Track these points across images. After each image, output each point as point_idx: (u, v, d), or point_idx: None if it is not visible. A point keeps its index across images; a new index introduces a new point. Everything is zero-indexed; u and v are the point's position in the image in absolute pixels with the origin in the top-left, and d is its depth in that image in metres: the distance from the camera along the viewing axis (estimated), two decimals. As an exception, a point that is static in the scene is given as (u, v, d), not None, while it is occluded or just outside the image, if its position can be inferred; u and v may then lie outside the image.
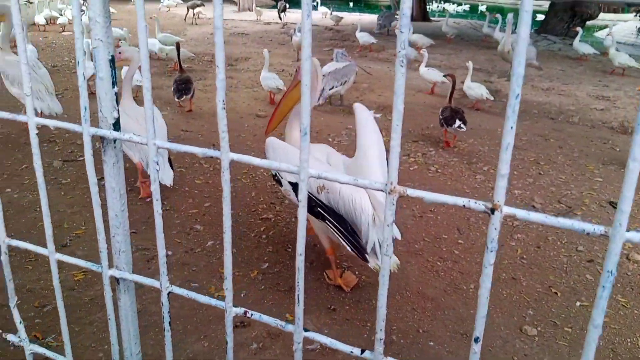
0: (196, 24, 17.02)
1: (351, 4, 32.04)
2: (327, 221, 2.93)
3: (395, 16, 15.29)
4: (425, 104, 8.05)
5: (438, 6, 32.64)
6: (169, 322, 0.59)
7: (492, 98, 7.64)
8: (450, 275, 3.54)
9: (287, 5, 19.07)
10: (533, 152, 6.05)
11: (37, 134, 0.58)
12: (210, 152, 0.51)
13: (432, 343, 2.89)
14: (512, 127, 0.38)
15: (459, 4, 33.71)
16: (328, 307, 3.13)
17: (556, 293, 3.37)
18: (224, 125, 0.48)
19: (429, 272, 3.57)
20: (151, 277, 2.59)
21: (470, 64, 7.69)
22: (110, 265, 0.61)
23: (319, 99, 7.22)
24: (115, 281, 0.62)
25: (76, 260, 0.62)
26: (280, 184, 3.18)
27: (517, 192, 4.90)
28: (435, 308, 3.18)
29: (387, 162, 3.50)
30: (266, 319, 0.59)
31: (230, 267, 0.54)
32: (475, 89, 7.54)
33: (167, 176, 4.16)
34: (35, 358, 0.73)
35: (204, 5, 17.80)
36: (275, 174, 3.22)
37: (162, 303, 0.57)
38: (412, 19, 20.20)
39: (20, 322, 0.69)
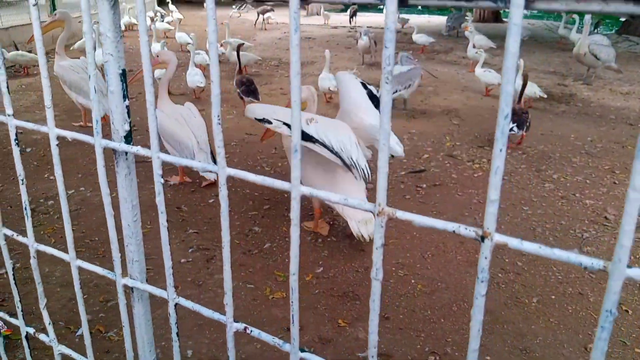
0: (265, 29, 17.40)
1: (419, 7, 31.56)
2: (317, 144, 3.36)
3: (466, 17, 14.90)
4: (493, 108, 7.78)
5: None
6: (177, 333, 0.60)
7: (544, 95, 7.50)
8: (512, 287, 3.39)
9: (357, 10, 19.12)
10: (608, 160, 5.69)
11: (57, 144, 0.60)
12: (209, 167, 0.51)
13: (488, 358, 2.78)
14: (501, 150, 0.35)
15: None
16: (381, 315, 3.09)
17: (627, 311, 3.15)
18: (220, 141, 0.48)
19: (489, 283, 3.44)
20: (210, 277, 2.66)
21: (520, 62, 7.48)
22: (125, 274, 0.63)
23: (381, 103, 7.17)
24: (129, 289, 0.63)
25: (94, 267, 0.64)
26: (270, 123, 3.42)
27: (588, 203, 4.63)
28: (494, 321, 3.05)
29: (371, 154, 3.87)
30: (265, 336, 0.59)
31: (230, 281, 0.54)
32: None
33: (210, 173, 4.26)
34: (63, 358, 0.77)
35: (273, 11, 18.16)
36: (263, 119, 3.45)
37: (169, 314, 0.58)
38: (484, 20, 19.62)
39: (50, 324, 0.73)
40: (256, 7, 18.56)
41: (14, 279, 0.77)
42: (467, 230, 0.38)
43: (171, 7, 17.82)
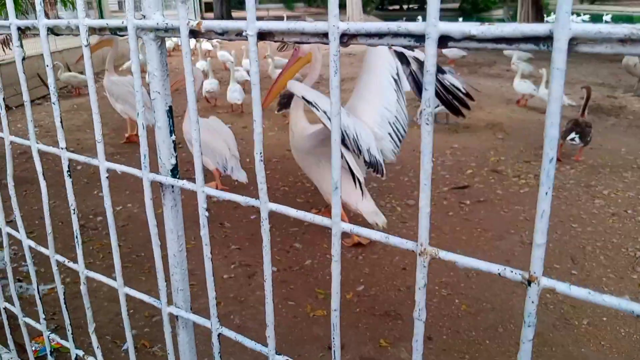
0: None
1: (460, 19, 31.25)
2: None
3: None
4: (539, 122, 7.59)
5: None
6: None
7: (573, 104, 7.48)
8: (561, 308, 3.27)
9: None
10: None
11: (107, 177, 0.63)
12: (252, 202, 0.52)
13: (536, 383, 2.68)
14: (546, 193, 0.34)
15: (578, 14, 31.46)
16: (424, 335, 3.03)
17: (687, 337, 2.98)
18: (262, 177, 0.49)
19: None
20: (252, 294, 2.68)
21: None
22: (170, 302, 0.64)
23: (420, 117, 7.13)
24: (174, 318, 0.65)
25: (141, 295, 0.66)
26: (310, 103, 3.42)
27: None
28: (542, 344, 2.94)
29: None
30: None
31: (272, 314, 0.54)
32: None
33: (242, 176, 4.78)
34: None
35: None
36: (304, 98, 3.48)
37: (212, 344, 0.58)
38: (528, 31, 19.24)
39: (98, 347, 0.75)
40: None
41: (65, 303, 0.80)
42: (512, 274, 0.37)
43: None
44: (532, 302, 0.37)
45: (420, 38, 0.38)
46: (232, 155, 4.80)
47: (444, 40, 0.37)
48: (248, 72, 10.43)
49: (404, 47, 0.37)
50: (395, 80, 3.77)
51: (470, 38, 0.36)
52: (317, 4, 48.96)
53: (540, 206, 0.34)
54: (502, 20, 20.11)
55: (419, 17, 19.47)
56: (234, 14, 35.62)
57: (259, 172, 0.49)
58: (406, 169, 5.69)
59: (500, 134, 7.00)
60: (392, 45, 0.39)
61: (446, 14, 37.42)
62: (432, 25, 0.37)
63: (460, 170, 5.67)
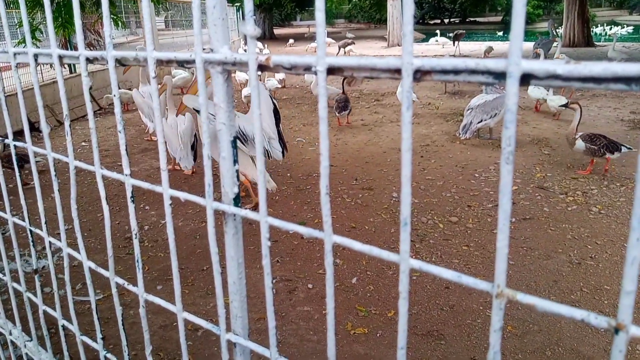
0: (346, 60, 17.69)
1: (500, 32, 30.69)
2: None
3: (554, 43, 14.33)
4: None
5: (604, 30, 29.82)
6: (278, 392, 0.60)
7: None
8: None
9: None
10: None
11: (170, 204, 0.64)
12: (315, 233, 0.51)
13: (588, 412, 2.57)
14: (638, 239, 0.32)
15: (622, 26, 30.44)
16: (468, 357, 2.96)
17: None
18: (327, 210, 0.49)
19: (586, 327, 3.19)
20: (293, 309, 2.68)
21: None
22: (228, 329, 0.64)
23: (466, 132, 7.04)
24: (232, 344, 0.65)
25: (199, 320, 0.66)
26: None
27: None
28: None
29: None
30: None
31: (334, 356, 0.53)
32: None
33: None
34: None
35: (354, 44, 18.48)
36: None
37: (270, 373, 0.58)
38: (574, 44, 18.75)
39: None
40: (338, 41, 18.97)
41: (123, 324, 0.81)
42: (598, 320, 0.35)
43: (259, 44, 18.72)
44: (620, 351, 0.35)
45: (499, 76, 0.38)
46: (182, 146, 5.73)
47: (526, 79, 0.36)
48: (279, 80, 11.36)
49: (482, 83, 0.37)
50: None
51: (555, 77, 0.35)
52: (357, 19, 49.26)
53: (631, 253, 0.33)
54: (546, 34, 19.72)
55: (460, 30, 19.29)
56: (276, 31, 36.22)
57: (324, 205, 0.49)
58: (448, 185, 5.61)
59: (546, 149, 6.83)
60: (470, 81, 0.38)
61: (488, 28, 36.94)
62: (515, 63, 0.36)
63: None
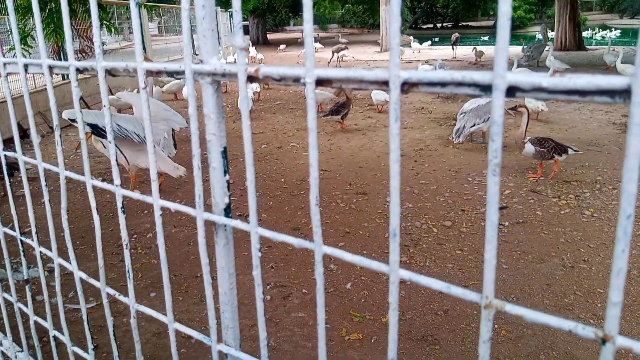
0: (340, 67, 17.74)
1: (486, 38, 30.64)
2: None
3: (547, 47, 14.42)
4: (580, 141, 7.41)
5: (593, 34, 30.02)
6: (270, 403, 0.60)
7: (546, 109, 8.25)
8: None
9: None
10: None
11: (161, 214, 0.64)
12: (306, 244, 0.51)
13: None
14: (623, 251, 0.32)
15: (611, 29, 30.65)
16: (463, 362, 2.96)
17: None
18: (317, 221, 0.49)
19: (580, 331, 3.20)
20: (287, 316, 2.67)
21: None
22: (220, 340, 0.64)
23: (459, 136, 7.06)
24: (223, 355, 0.64)
25: (190, 331, 0.66)
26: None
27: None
28: (588, 375, 2.83)
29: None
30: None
31: None
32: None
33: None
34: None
35: (347, 49, 18.57)
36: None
37: (262, 384, 0.58)
38: (566, 48, 18.88)
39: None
40: (330, 46, 19.03)
41: (114, 335, 0.81)
42: (585, 331, 0.36)
43: (251, 50, 18.78)
44: (607, 362, 0.35)
45: (486, 88, 0.38)
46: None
47: (511, 91, 0.36)
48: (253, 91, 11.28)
49: (468, 95, 0.37)
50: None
51: (540, 89, 0.35)
52: (350, 24, 49.39)
53: (617, 264, 0.33)
54: (536, 38, 19.86)
55: (456, 34, 19.36)
56: (270, 36, 36.28)
57: (314, 216, 0.49)
58: (442, 189, 5.62)
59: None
60: (456, 93, 0.38)
61: (480, 32, 37.15)
62: (500, 76, 0.36)
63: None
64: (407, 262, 4.08)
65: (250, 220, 0.55)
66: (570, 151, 5.80)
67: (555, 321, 0.37)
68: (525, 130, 5.88)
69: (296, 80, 0.49)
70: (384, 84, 0.42)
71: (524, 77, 0.35)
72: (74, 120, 4.90)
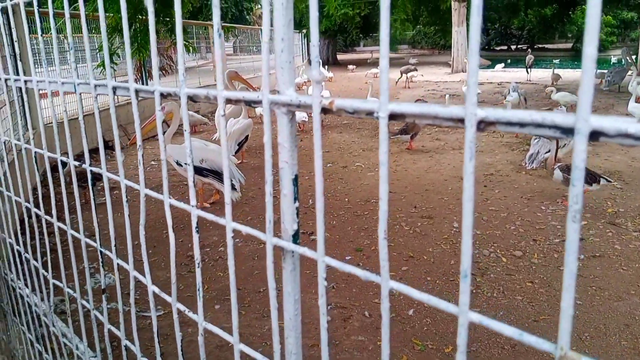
0: (409, 87, 17.67)
1: (557, 60, 29.41)
2: (209, 177, 5.67)
3: (629, 72, 13.66)
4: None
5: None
6: None
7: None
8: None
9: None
10: None
11: (232, 236, 0.66)
12: (372, 277, 0.51)
13: None
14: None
15: None
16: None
17: None
18: (385, 254, 0.49)
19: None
20: (347, 338, 2.65)
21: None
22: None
23: (533, 162, 6.80)
24: (285, 379, 0.65)
25: (255, 353, 0.67)
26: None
27: None
28: None
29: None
30: None
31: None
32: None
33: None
34: None
35: (416, 70, 18.48)
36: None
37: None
38: None
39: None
40: (399, 67, 19.00)
41: (182, 349, 0.84)
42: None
43: (323, 70, 19.14)
44: None
45: (567, 131, 0.37)
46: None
47: (595, 135, 0.35)
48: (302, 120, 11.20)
49: (547, 137, 0.36)
50: None
51: (627, 136, 0.34)
52: (421, 45, 49.17)
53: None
54: (619, 62, 18.87)
55: (531, 56, 18.81)
56: (339, 56, 36.79)
57: (382, 249, 0.49)
58: (512, 217, 5.42)
59: (618, 183, 6.47)
60: (536, 135, 0.37)
61: (558, 54, 35.83)
62: (583, 120, 0.35)
63: (573, 221, 5.28)
64: (474, 291, 3.95)
65: (317, 249, 0.56)
66: (602, 181, 5.47)
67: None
68: (556, 155, 5.60)
69: (369, 114, 0.49)
70: (459, 122, 0.42)
71: (608, 122, 0.34)
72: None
